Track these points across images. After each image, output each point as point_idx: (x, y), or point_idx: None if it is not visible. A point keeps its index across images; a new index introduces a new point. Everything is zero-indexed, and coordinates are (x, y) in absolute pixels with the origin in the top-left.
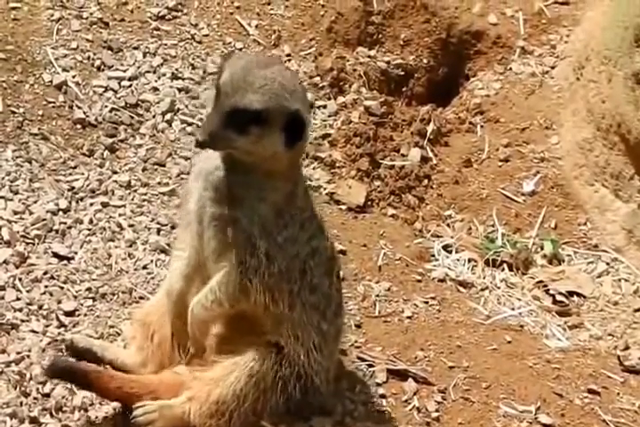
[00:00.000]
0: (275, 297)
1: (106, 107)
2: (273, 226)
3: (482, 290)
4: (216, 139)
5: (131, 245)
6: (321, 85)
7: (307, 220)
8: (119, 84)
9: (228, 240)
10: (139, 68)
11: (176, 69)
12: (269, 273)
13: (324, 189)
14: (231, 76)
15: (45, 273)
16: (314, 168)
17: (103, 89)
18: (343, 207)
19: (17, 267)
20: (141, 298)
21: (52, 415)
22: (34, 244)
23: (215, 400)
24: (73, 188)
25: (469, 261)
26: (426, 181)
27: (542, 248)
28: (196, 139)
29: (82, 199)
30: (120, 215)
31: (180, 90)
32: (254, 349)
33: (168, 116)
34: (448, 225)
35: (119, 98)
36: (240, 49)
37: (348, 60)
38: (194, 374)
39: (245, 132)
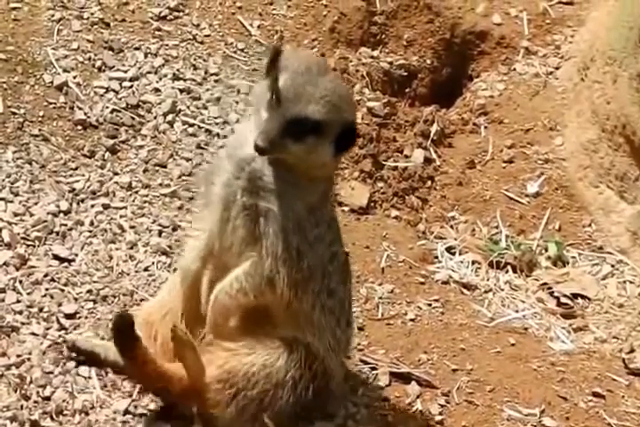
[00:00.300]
0: (299, 294)
1: (107, 108)
2: (306, 222)
3: (485, 292)
4: (274, 146)
5: (132, 247)
6: None
7: (332, 221)
8: (120, 84)
9: (258, 231)
10: (140, 68)
11: (177, 70)
12: (298, 268)
13: None
14: (292, 82)
15: (46, 275)
16: None
17: (104, 90)
18: (346, 209)
19: (17, 269)
20: (142, 300)
21: (52, 419)
22: (34, 246)
23: (228, 370)
24: (74, 189)
25: (473, 263)
26: (429, 183)
27: (546, 250)
28: (256, 144)
29: (83, 201)
30: (121, 217)
31: (181, 91)
32: (272, 341)
33: (169, 117)
34: (451, 227)
35: (120, 99)
36: (242, 50)
37: (350, 61)
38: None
39: (301, 140)
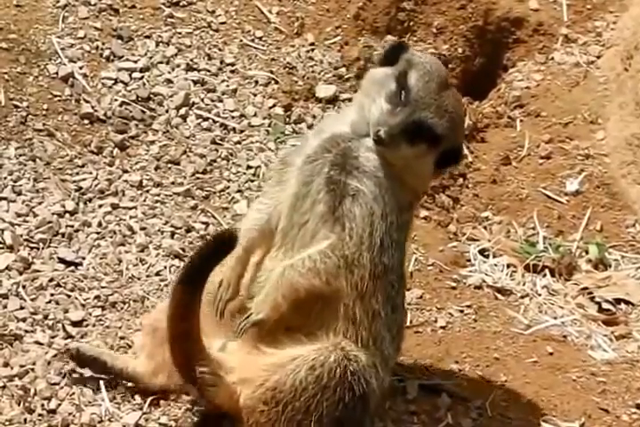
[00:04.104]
0: (377, 287)
1: (115, 100)
2: (394, 217)
3: (522, 298)
4: (392, 141)
5: (142, 250)
6: (347, 77)
7: (409, 236)
8: (130, 75)
9: (341, 210)
10: (151, 58)
11: (191, 60)
12: (379, 259)
13: None
14: (425, 85)
15: (51, 280)
16: None
17: (112, 81)
18: None
19: (20, 273)
20: (154, 307)
21: None
22: (38, 248)
23: (272, 387)
24: (80, 188)
25: (508, 266)
26: (461, 180)
27: (587, 252)
28: (379, 134)
29: (90, 200)
30: (131, 218)
31: (195, 82)
32: (319, 342)
33: (182, 111)
34: (485, 228)
35: (130, 91)
36: (260, 38)
37: (375, 50)
38: (249, 352)
39: (414, 145)
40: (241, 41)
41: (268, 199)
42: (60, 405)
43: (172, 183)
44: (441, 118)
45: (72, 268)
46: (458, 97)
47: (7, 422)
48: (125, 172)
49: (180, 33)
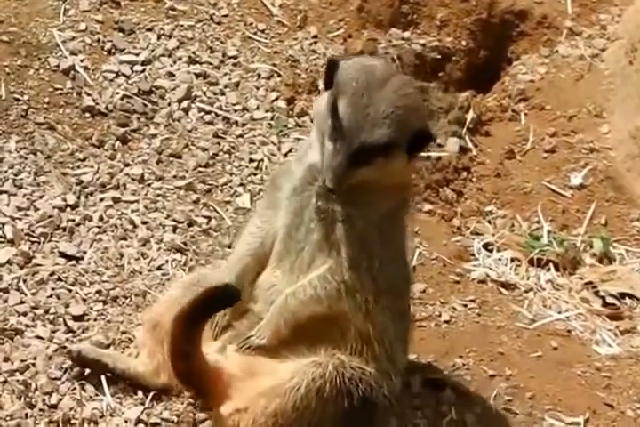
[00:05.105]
0: (382, 304)
1: (117, 94)
2: (389, 231)
3: (526, 292)
4: (344, 180)
5: (144, 244)
6: None
7: (407, 236)
8: (131, 68)
9: (334, 236)
10: (153, 51)
11: (193, 53)
12: (382, 279)
13: None
14: (353, 109)
15: (52, 274)
16: None
17: (114, 74)
18: None
19: (21, 268)
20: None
21: None
22: (39, 243)
23: (273, 413)
24: (81, 182)
25: (512, 260)
26: (465, 174)
27: (591, 246)
28: (326, 184)
29: (91, 194)
30: (133, 211)
31: (197, 75)
32: (317, 354)
33: (184, 104)
34: (489, 222)
35: (131, 84)
36: (262, 31)
37: (379, 43)
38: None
39: (370, 164)
40: (243, 34)
41: (261, 222)
42: (61, 400)
43: (174, 177)
44: (381, 128)
45: (73, 262)
46: (398, 86)
47: (8, 417)
48: (127, 165)
49: (182, 26)
